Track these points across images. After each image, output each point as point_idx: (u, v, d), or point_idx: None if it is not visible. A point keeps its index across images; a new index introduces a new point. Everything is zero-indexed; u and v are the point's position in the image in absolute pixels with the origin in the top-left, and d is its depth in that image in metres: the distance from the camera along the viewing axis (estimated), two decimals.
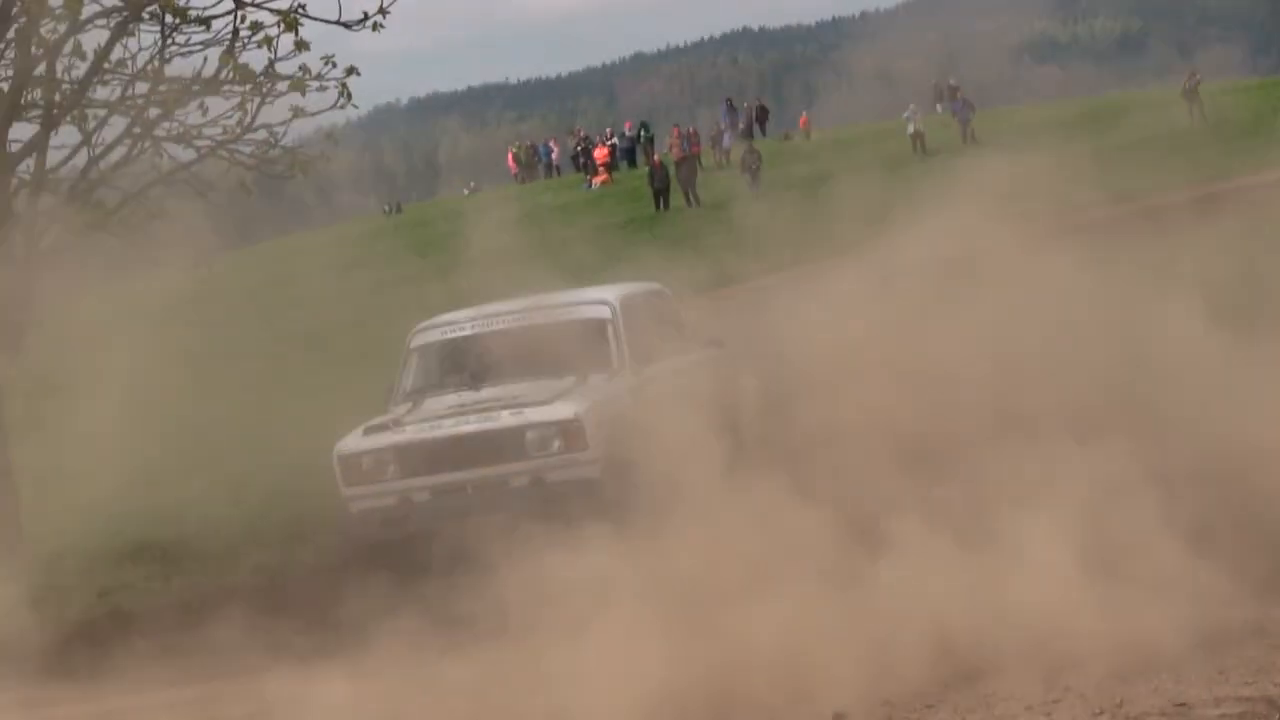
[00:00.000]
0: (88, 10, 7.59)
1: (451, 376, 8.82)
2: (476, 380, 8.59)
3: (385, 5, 7.92)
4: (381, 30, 7.93)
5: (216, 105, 7.88)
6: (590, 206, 24.91)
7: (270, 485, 10.13)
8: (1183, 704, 4.86)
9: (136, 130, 7.84)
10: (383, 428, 8.21)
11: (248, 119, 7.90)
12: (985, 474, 6.35)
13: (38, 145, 7.71)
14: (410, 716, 5.48)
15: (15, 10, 7.51)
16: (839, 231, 9.79)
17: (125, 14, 7.65)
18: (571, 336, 8.51)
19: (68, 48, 7.72)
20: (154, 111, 7.77)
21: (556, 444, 7.79)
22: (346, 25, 7.94)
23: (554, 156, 28.37)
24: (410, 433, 8.15)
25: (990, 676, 5.03)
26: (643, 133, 29.20)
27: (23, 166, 7.81)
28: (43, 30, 7.60)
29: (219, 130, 7.91)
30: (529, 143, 26.15)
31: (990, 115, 27.79)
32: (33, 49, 7.59)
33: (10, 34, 7.56)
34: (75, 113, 7.74)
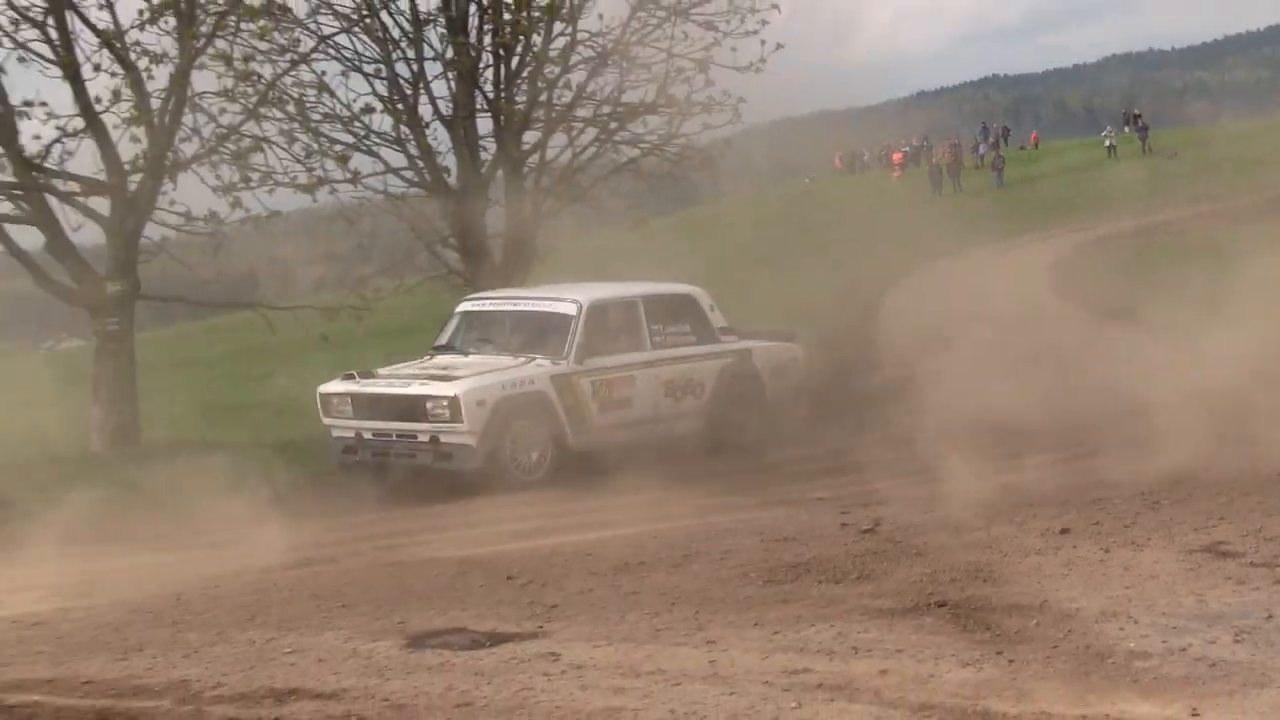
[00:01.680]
0: (573, 59, 11.75)
1: (457, 340, 10.43)
2: (466, 348, 10.28)
3: (764, 57, 11.80)
4: (760, 72, 11.85)
5: (654, 121, 11.88)
6: (896, 189, 34.19)
7: None
8: None
9: (602, 137, 11.93)
10: (352, 377, 10.00)
11: (674, 130, 11.92)
12: None
13: (540, 146, 11.83)
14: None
15: (529, 58, 11.67)
16: (1058, 210, 13.77)
17: (595, 61, 11.78)
18: (548, 325, 10.06)
19: (560, 83, 11.91)
20: (614, 125, 11.85)
21: (446, 414, 9.25)
22: (739, 69, 11.89)
23: (865, 158, 39.41)
24: (363, 385, 9.86)
25: None
26: (925, 143, 40.06)
27: (531, 160, 12.01)
28: (545, 72, 11.78)
29: (655, 137, 11.95)
30: (851, 149, 36.47)
31: (1161, 134, 40.29)
32: (538, 84, 11.78)
33: (524, 74, 11.73)
34: (564, 125, 11.88)
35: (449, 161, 11.54)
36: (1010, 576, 6.66)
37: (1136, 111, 43.38)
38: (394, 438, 9.67)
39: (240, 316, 13.10)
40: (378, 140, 11.35)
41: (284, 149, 11.23)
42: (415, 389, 9.59)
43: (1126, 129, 41.75)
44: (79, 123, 10.83)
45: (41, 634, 6.02)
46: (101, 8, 10.85)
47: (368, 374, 9.95)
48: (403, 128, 11.32)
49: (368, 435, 9.86)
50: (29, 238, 10.97)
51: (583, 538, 7.72)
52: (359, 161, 11.35)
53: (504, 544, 7.71)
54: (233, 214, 11.15)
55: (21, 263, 10.86)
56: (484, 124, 11.53)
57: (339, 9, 11.15)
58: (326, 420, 10.06)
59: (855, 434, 9.90)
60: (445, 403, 9.25)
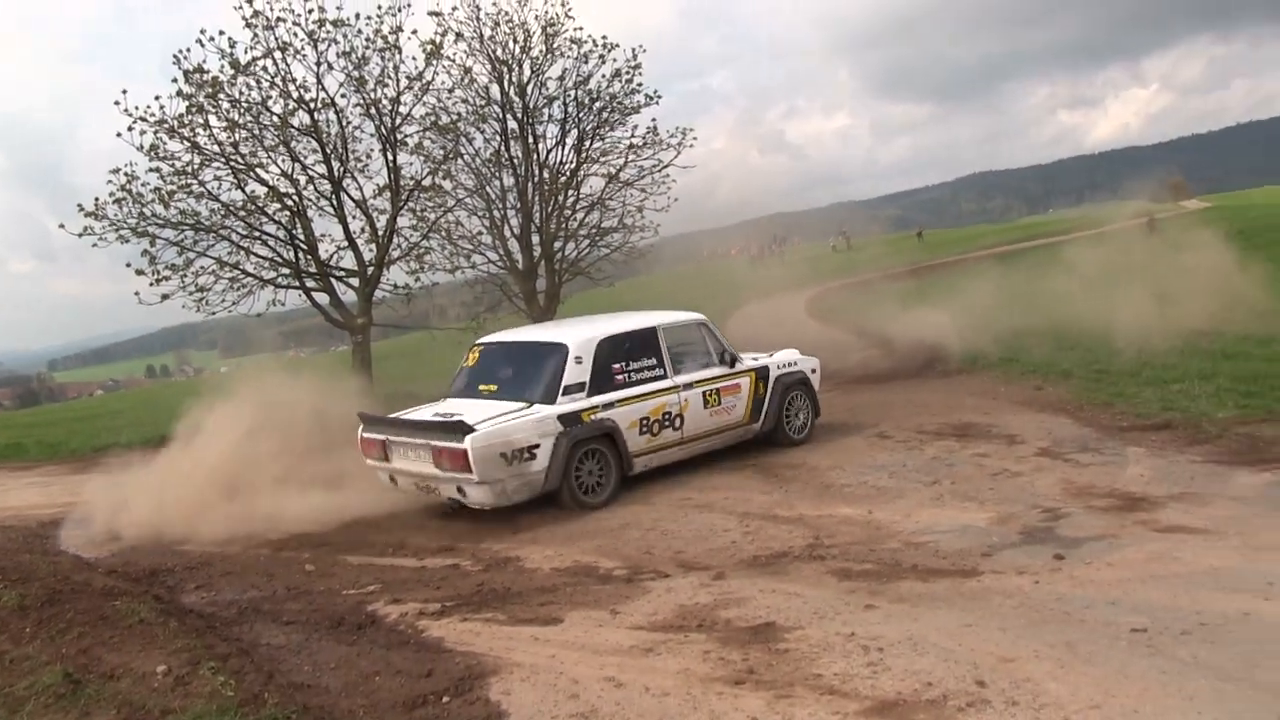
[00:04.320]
0: (578, 207, 24.04)
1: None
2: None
3: (669, 205, 24.42)
4: (668, 212, 24.41)
5: (616, 237, 24.18)
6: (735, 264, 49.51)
7: None
8: None
9: (591, 244, 24.20)
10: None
11: (626, 240, 24.13)
12: None
13: (562, 248, 24.01)
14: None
15: (554, 207, 23.91)
16: (813, 277, 28.23)
17: (588, 208, 24.14)
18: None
19: (571, 219, 24.16)
20: (597, 238, 24.02)
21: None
22: (657, 210, 24.43)
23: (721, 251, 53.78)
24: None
25: None
26: (745, 243, 55.90)
27: (557, 255, 24.10)
28: (564, 213, 24.03)
29: (617, 243, 24.23)
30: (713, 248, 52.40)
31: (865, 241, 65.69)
32: (561, 219, 23.98)
33: (554, 215, 23.93)
34: (573, 238, 24.01)
35: (519, 256, 23.67)
36: (790, 453, 12.13)
37: (845, 229, 69.69)
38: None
39: (421, 333, 24.66)
40: (485, 247, 23.42)
41: (440, 253, 23.06)
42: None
43: (840, 237, 67.38)
44: (344, 242, 22.46)
45: None
46: (357, 188, 22.46)
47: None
48: (496, 241, 23.45)
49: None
50: (322, 297, 22.54)
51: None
52: (476, 258, 23.35)
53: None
54: (415, 285, 22.84)
55: (319, 309, 22.34)
56: (535, 238, 23.73)
57: (466, 186, 23.19)
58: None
59: None
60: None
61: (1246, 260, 19.42)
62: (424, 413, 11.08)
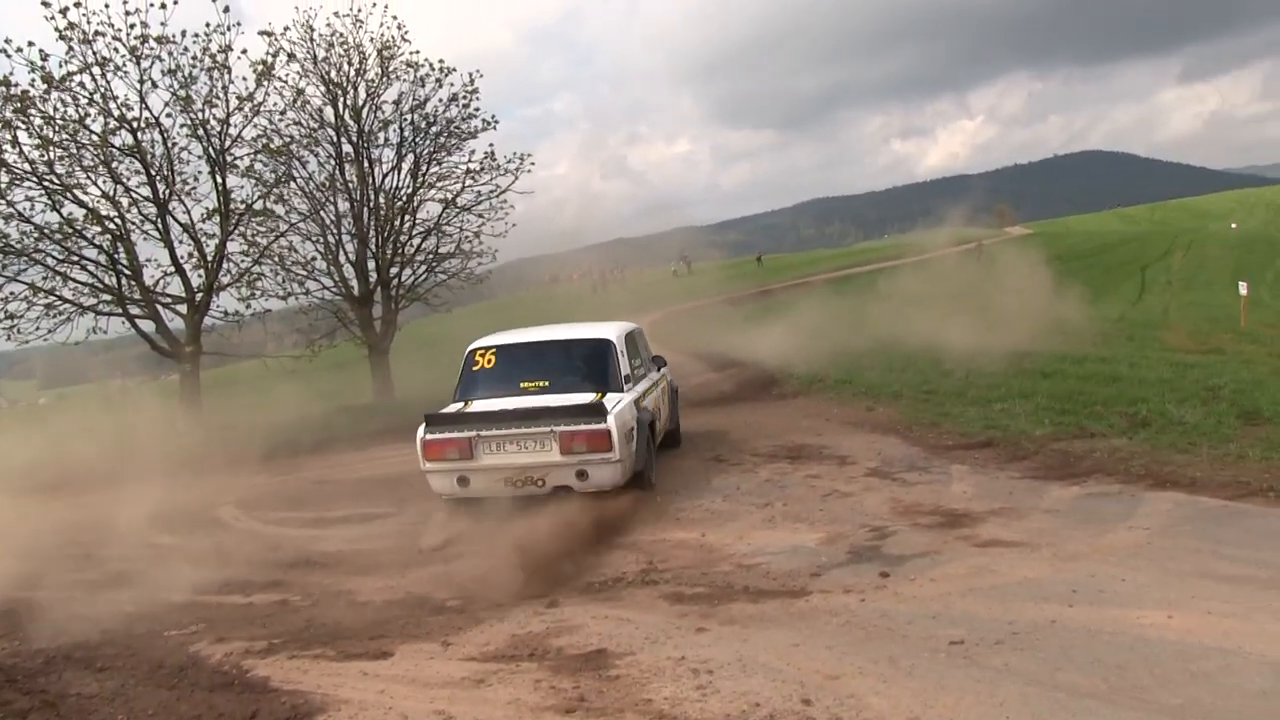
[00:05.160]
0: (414, 232, 23.79)
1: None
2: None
3: (507, 230, 24.37)
4: (505, 238, 24.33)
5: (454, 263, 23.99)
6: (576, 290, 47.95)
7: None
8: None
9: (429, 270, 23.95)
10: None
11: (464, 266, 24.02)
12: None
13: (399, 274, 23.74)
14: None
15: (391, 232, 23.61)
16: (654, 301, 28.30)
17: (424, 233, 23.89)
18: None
19: (407, 244, 23.90)
20: (435, 264, 23.81)
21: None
22: (495, 236, 24.37)
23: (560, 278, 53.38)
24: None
25: None
26: (589, 269, 53.93)
27: (394, 281, 23.80)
28: (399, 239, 23.74)
29: (455, 269, 24.00)
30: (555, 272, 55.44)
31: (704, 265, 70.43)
32: (397, 245, 23.71)
33: (390, 240, 23.61)
34: (409, 264, 23.79)
35: (354, 283, 23.29)
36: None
37: (685, 254, 70.05)
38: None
39: (254, 361, 24.01)
40: (319, 273, 22.99)
41: (272, 279, 22.52)
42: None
43: (681, 262, 68.22)
44: (170, 267, 21.74)
45: None
46: (184, 211, 21.83)
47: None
48: (331, 267, 23.03)
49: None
50: (148, 324, 21.72)
51: None
52: (310, 284, 22.88)
53: None
54: (246, 311, 22.29)
55: (145, 338, 21.56)
56: (371, 264, 23.39)
57: (299, 210, 22.76)
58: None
59: None
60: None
61: (1064, 283, 20.40)
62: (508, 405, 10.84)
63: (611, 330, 11.94)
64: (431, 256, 23.65)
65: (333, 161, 22.59)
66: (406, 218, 23.32)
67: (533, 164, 23.06)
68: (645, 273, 64.17)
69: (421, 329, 25.15)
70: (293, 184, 22.12)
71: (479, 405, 11.03)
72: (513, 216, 23.28)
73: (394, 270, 23.45)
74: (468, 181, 23.12)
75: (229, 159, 20.85)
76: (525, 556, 8.69)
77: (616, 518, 9.96)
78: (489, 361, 11.71)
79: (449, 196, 23.20)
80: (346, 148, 22.60)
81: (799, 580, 7.90)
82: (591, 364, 11.40)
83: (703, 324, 30.33)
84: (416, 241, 23.53)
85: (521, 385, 11.28)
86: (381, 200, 22.96)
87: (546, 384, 11.25)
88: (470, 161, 23.07)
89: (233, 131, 20.68)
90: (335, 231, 23.02)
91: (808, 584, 7.81)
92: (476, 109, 22.77)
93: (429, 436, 10.47)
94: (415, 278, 23.72)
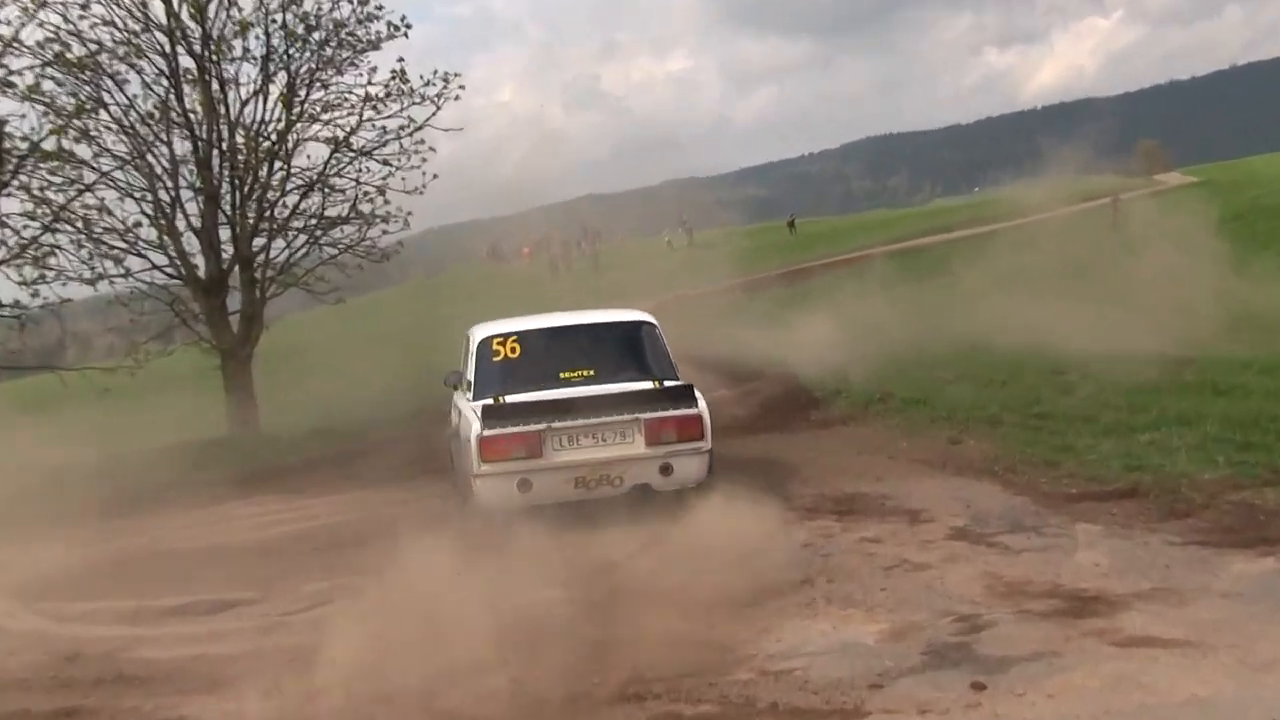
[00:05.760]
0: (288, 186, 23.57)
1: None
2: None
3: (425, 184, 24.18)
4: (423, 194, 24.16)
5: (348, 229, 23.75)
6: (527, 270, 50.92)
7: None
8: None
9: (310, 241, 23.66)
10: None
11: (362, 235, 23.72)
12: None
13: (265, 248, 23.55)
14: None
15: (256, 186, 23.38)
16: (646, 285, 28.64)
17: (304, 188, 23.70)
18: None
19: (279, 203, 23.68)
20: (319, 233, 23.58)
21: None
22: (408, 192, 24.15)
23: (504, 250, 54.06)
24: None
25: None
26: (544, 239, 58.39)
27: (259, 258, 23.59)
28: (267, 196, 23.56)
29: (349, 240, 23.69)
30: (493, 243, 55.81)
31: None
32: (263, 205, 23.50)
33: (253, 197, 23.39)
34: (282, 233, 23.51)
35: (199, 260, 23.08)
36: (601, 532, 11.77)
37: (685, 218, 71.25)
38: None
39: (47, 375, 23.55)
40: (145, 246, 22.73)
41: (73, 254, 22.23)
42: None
43: (680, 229, 69.09)
44: None
45: None
46: None
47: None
48: (164, 237, 22.81)
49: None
50: None
51: None
52: (132, 262, 22.63)
53: None
54: (33, 301, 21.96)
55: None
56: (224, 232, 23.16)
57: (115, 152, 22.51)
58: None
59: None
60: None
61: (1246, 255, 20.12)
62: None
63: (642, 315, 14.08)
64: (314, 221, 23.45)
65: (165, 82, 22.32)
66: (277, 165, 23.11)
67: (462, 88, 22.98)
68: (627, 244, 63.98)
69: (293, 328, 24.99)
70: (104, 113, 21.84)
71: (529, 396, 12.42)
72: (433, 164, 23.13)
73: (259, 242, 23.24)
74: (367, 113, 22.96)
75: (3, 74, 20.53)
76: None
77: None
78: (513, 350, 13.30)
79: (339, 135, 23.00)
80: (186, 61, 22.34)
81: (852, 694, 7.73)
82: (637, 349, 13.52)
83: (710, 318, 30.05)
84: (292, 200, 23.34)
85: (561, 376, 12.97)
86: (239, 139, 22.71)
87: (591, 373, 13.01)
88: (370, 84, 22.90)
89: (4, 32, 20.34)
90: (170, 185, 22.74)
91: (864, 700, 7.63)
92: (379, 6, 22.61)
93: (488, 432, 11.90)
94: (291, 252, 23.50)
